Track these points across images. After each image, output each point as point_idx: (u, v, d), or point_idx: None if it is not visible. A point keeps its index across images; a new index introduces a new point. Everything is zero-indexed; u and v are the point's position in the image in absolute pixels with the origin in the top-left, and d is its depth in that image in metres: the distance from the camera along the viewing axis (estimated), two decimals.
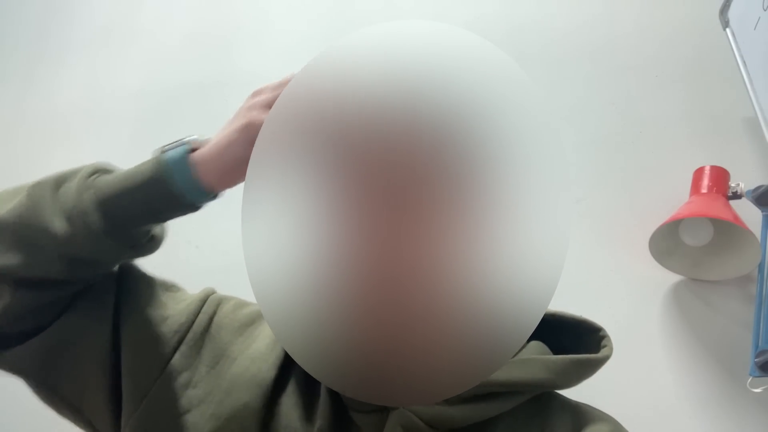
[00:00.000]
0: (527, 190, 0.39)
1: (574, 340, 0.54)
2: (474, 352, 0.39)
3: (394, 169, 0.37)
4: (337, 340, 0.39)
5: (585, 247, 0.99)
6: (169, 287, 0.58)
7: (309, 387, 0.51)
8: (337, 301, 0.38)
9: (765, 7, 0.85)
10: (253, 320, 0.56)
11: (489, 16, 1.23)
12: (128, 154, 1.34)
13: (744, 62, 0.92)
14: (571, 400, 0.54)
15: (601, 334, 0.54)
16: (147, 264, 0.56)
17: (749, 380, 0.81)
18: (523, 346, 0.39)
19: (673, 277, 0.93)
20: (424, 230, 0.37)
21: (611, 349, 0.52)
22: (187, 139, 0.50)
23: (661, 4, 1.12)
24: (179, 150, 0.49)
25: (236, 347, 0.53)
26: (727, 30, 0.98)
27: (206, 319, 0.54)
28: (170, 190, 0.48)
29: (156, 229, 0.53)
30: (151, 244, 0.53)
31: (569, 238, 0.40)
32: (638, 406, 0.87)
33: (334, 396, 0.50)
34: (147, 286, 0.55)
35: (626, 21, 1.13)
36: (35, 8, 1.62)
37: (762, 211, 0.87)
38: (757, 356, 0.80)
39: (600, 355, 0.51)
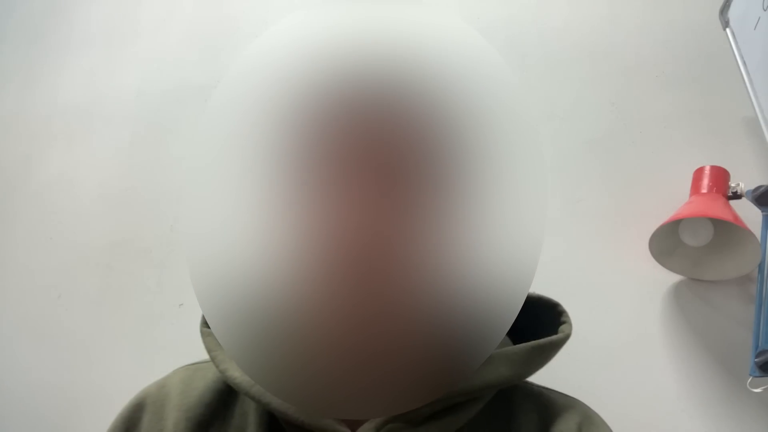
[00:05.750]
0: (509, 177, 0.36)
1: (531, 317, 0.50)
2: (452, 352, 0.36)
3: (374, 145, 0.34)
4: (297, 340, 0.34)
5: (585, 247, 0.99)
6: None
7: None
8: (296, 293, 0.33)
9: (765, 7, 0.85)
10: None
11: (489, 17, 1.23)
12: (128, 154, 1.35)
13: (744, 62, 0.92)
14: (534, 386, 0.52)
15: (558, 309, 0.52)
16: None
17: (749, 380, 0.81)
18: None
19: (673, 277, 0.93)
20: (403, 214, 0.34)
21: (570, 325, 0.50)
22: None
23: (661, 4, 1.12)
24: None
25: None
26: (727, 30, 0.98)
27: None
28: None
29: None
30: None
31: (544, 230, 0.38)
32: (638, 406, 0.87)
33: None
34: None
35: (626, 21, 1.13)
36: (35, 8, 1.62)
37: (762, 211, 0.87)
38: (757, 356, 0.80)
39: (561, 335, 0.49)
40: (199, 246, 0.37)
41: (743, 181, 0.89)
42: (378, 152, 0.34)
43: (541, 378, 0.51)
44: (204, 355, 0.52)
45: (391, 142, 0.34)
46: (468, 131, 0.35)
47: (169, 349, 1.11)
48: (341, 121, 0.34)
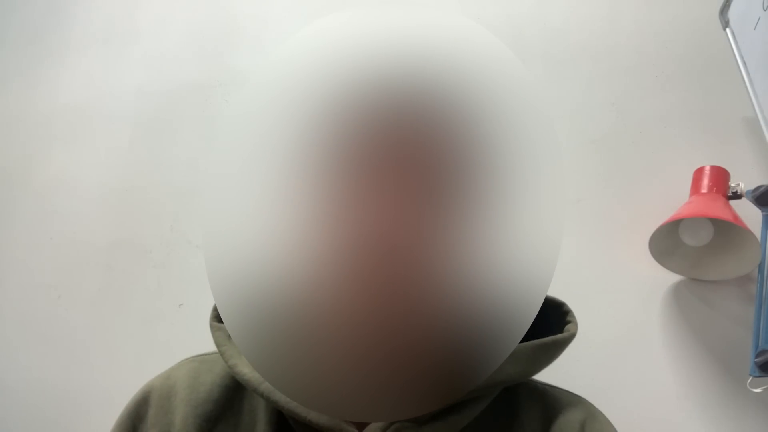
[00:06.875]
0: (531, 177, 0.36)
1: (537, 316, 0.52)
2: (471, 356, 0.35)
3: (400, 147, 0.34)
4: (313, 339, 0.34)
5: (585, 247, 0.99)
6: None
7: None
8: (316, 291, 0.33)
9: (765, 7, 0.85)
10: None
11: (489, 17, 1.23)
12: (128, 154, 1.35)
13: (744, 62, 0.92)
14: (538, 383, 0.52)
15: (564, 309, 0.52)
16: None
17: (749, 380, 0.81)
18: None
19: (673, 277, 0.93)
20: (428, 216, 0.34)
21: (576, 325, 0.50)
22: None
23: (661, 4, 1.12)
24: None
25: None
26: (727, 30, 0.98)
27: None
28: None
29: None
30: None
31: (563, 230, 0.38)
32: (638, 406, 0.87)
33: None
34: None
35: (626, 21, 1.13)
36: (35, 8, 1.62)
37: (762, 211, 0.87)
38: (757, 356, 0.80)
39: (566, 334, 0.49)
40: (217, 240, 0.36)
41: (743, 181, 0.89)
42: (404, 154, 0.34)
43: (540, 377, 0.51)
44: (205, 350, 0.52)
45: (417, 144, 0.34)
46: (492, 131, 0.36)
47: (169, 349, 1.11)
48: (368, 123, 0.34)
